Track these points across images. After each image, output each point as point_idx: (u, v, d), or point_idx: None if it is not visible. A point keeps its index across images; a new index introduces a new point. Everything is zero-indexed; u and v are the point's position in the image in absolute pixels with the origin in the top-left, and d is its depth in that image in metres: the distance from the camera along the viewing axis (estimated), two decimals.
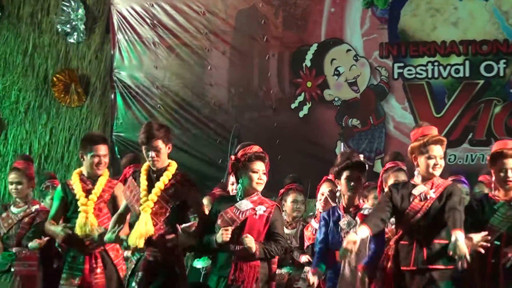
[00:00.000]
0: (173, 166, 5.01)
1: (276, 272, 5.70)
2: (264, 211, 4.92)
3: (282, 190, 6.55)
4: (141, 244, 4.82)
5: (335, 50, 8.91)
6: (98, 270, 5.36)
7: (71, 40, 9.56)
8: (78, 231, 5.32)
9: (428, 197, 4.74)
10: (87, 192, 5.41)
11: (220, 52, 9.16)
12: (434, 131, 4.87)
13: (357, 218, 4.91)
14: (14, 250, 6.07)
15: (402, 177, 5.49)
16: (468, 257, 4.40)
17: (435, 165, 4.77)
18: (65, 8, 9.50)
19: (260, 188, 4.96)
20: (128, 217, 5.16)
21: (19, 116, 9.52)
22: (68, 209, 5.49)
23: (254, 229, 4.88)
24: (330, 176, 5.74)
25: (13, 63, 9.58)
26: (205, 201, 6.52)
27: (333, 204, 5.39)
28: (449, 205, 4.65)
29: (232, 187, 5.71)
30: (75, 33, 9.52)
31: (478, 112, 8.56)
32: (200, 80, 9.23)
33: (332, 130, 8.82)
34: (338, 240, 4.97)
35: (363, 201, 5.27)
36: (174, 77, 9.26)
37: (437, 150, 4.78)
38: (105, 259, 5.40)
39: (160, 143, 4.92)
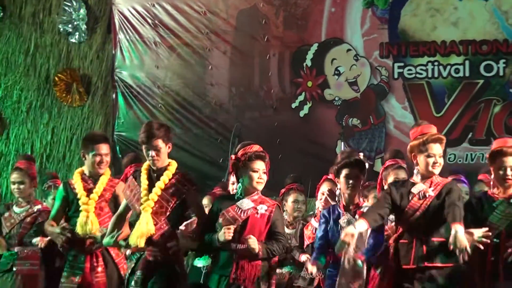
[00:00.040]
0: (173, 165, 5.02)
1: (277, 272, 5.76)
2: (266, 210, 4.94)
3: (283, 190, 6.57)
4: (142, 243, 4.84)
5: (336, 50, 8.91)
6: (99, 269, 5.38)
7: (73, 40, 9.57)
8: (79, 230, 5.34)
9: (427, 195, 4.75)
10: (89, 191, 5.42)
11: (221, 51, 9.16)
12: (433, 129, 4.88)
13: (357, 216, 4.93)
14: (16, 249, 6.12)
15: (402, 174, 5.52)
16: (469, 249, 4.41)
17: (434, 163, 4.78)
18: (66, 8, 9.52)
19: (260, 187, 4.98)
20: (128, 216, 5.17)
21: (21, 116, 9.53)
22: (70, 208, 5.50)
23: (256, 228, 4.90)
24: (330, 176, 5.76)
25: (15, 62, 9.59)
26: (206, 200, 6.54)
27: (333, 203, 5.40)
28: (448, 201, 4.66)
29: (233, 187, 5.70)
30: (77, 33, 9.54)
31: (478, 112, 8.56)
32: (201, 80, 9.23)
33: (332, 129, 8.83)
34: (338, 238, 4.95)
35: (363, 201, 5.27)
36: (175, 76, 9.27)
37: (437, 149, 4.79)
38: (106, 258, 5.42)
39: (160, 143, 4.93)
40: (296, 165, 8.22)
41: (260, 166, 4.95)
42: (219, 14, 9.17)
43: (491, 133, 8.44)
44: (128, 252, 5.37)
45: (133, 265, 5.05)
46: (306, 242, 5.92)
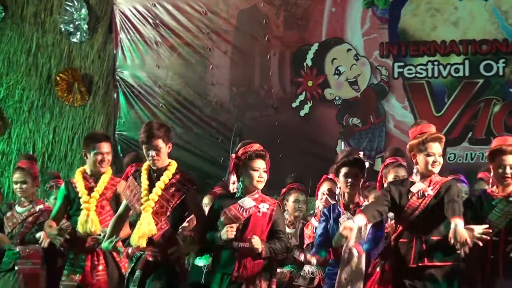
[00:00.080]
0: (173, 165, 5.02)
1: (278, 271, 5.77)
2: (267, 209, 4.95)
3: (284, 190, 6.57)
4: (143, 244, 4.85)
5: (336, 50, 8.93)
6: (100, 267, 5.39)
7: (74, 40, 9.58)
8: (79, 228, 5.36)
9: (426, 194, 4.75)
10: (90, 190, 5.43)
11: (222, 51, 9.17)
12: (432, 128, 4.88)
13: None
14: (17, 248, 6.12)
15: (402, 172, 5.53)
16: (469, 242, 4.39)
17: (434, 162, 4.78)
18: (68, 8, 9.53)
19: (260, 186, 4.99)
20: (128, 216, 5.19)
21: (23, 115, 9.54)
22: (71, 207, 5.51)
23: (258, 226, 4.92)
24: (330, 175, 5.78)
25: (16, 62, 9.60)
26: (207, 199, 6.54)
27: (333, 202, 5.42)
28: (447, 198, 4.66)
29: (233, 186, 5.71)
30: (78, 33, 9.55)
31: (478, 111, 8.57)
32: (202, 79, 9.24)
33: (333, 129, 8.83)
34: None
35: (364, 200, 5.27)
36: (176, 76, 9.27)
37: (436, 148, 4.79)
38: (107, 256, 5.42)
39: (160, 142, 4.93)
40: (296, 165, 8.24)
41: (260, 165, 4.96)
42: (220, 14, 9.18)
43: (491, 132, 8.45)
44: (130, 250, 5.39)
45: (132, 264, 5.05)
46: (306, 241, 5.92)
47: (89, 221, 5.33)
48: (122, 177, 5.86)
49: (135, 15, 9.34)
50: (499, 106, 8.56)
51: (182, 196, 4.94)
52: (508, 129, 8.37)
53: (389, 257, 4.87)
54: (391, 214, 5.08)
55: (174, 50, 9.26)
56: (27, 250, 6.11)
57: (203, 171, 8.86)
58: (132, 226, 5.11)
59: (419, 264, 4.68)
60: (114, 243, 4.99)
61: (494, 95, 8.58)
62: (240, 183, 5.02)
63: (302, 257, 5.90)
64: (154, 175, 4.99)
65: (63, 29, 9.59)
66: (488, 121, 8.56)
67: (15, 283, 6.08)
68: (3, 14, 9.67)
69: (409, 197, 4.79)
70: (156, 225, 4.88)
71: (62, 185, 5.66)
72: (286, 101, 9.03)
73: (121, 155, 8.79)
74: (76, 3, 9.51)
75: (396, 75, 8.79)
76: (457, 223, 4.46)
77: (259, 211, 4.93)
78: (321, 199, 5.84)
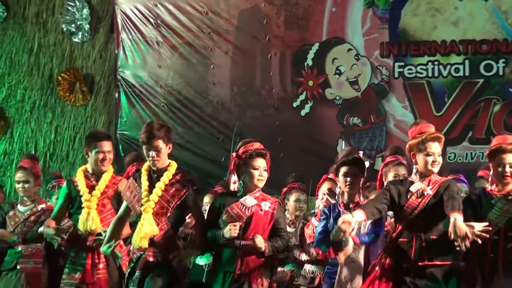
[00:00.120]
0: (173, 166, 5.02)
1: (279, 270, 5.79)
2: (269, 207, 4.96)
3: (284, 189, 6.60)
4: (145, 244, 4.85)
5: (337, 50, 8.95)
6: (101, 266, 5.37)
7: (76, 40, 9.60)
8: (80, 226, 5.36)
9: (425, 194, 4.74)
10: (91, 189, 5.43)
11: (223, 51, 9.20)
12: (431, 128, 4.87)
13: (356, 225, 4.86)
14: (19, 247, 6.13)
15: (402, 171, 5.55)
16: (469, 235, 4.38)
17: (433, 162, 4.76)
18: (70, 8, 9.55)
19: (261, 184, 5.00)
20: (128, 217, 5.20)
21: (25, 115, 9.56)
22: (73, 205, 5.52)
23: (259, 225, 4.93)
24: (330, 175, 5.77)
25: (18, 62, 9.62)
26: (207, 198, 6.54)
27: (333, 201, 5.44)
28: (447, 195, 4.65)
29: (234, 186, 5.67)
30: (80, 33, 9.57)
31: (478, 111, 8.60)
32: (203, 79, 9.26)
33: (333, 128, 8.87)
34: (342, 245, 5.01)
35: (364, 200, 5.23)
36: (177, 76, 9.29)
37: (435, 147, 4.78)
38: (108, 255, 5.39)
39: (160, 143, 4.93)
40: (297, 164, 8.26)
41: (261, 163, 4.97)
42: (221, 14, 9.20)
43: (491, 132, 8.46)
44: (131, 247, 5.41)
45: (132, 264, 5.05)
46: (307, 241, 5.90)
47: (90, 219, 5.33)
48: (123, 176, 5.86)
49: (136, 15, 9.35)
50: (499, 105, 8.58)
51: (182, 197, 4.93)
52: (508, 128, 8.39)
53: (390, 255, 4.85)
54: (391, 213, 5.09)
55: (175, 50, 9.27)
56: (29, 249, 6.12)
57: (204, 171, 8.89)
58: (132, 226, 5.13)
59: (419, 264, 4.68)
60: (112, 248, 5.00)
61: (494, 95, 8.60)
62: (241, 181, 5.03)
63: (302, 257, 5.90)
64: (154, 175, 4.99)
65: (65, 29, 9.61)
66: (488, 121, 8.58)
67: (17, 282, 6.08)
68: (5, 14, 9.68)
69: (408, 196, 4.78)
70: (157, 225, 4.88)
71: (64, 184, 5.67)
72: (287, 101, 9.05)
73: (123, 154, 8.79)
74: (77, 3, 9.53)
75: (396, 75, 8.81)
76: (457, 217, 4.44)
77: (261, 210, 4.95)
78: (322, 199, 5.83)
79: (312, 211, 6.62)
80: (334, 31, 8.97)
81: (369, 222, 4.89)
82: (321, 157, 8.43)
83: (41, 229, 5.87)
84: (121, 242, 5.35)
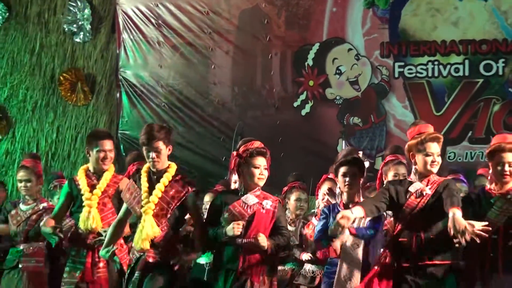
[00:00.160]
0: (173, 167, 5.03)
1: (279, 268, 5.80)
2: (271, 206, 4.98)
3: (285, 188, 6.61)
4: (147, 246, 4.86)
5: (337, 50, 8.96)
6: (101, 264, 5.38)
7: (78, 40, 9.62)
8: (81, 225, 5.36)
9: (424, 194, 4.75)
10: (92, 187, 5.44)
11: (224, 51, 9.20)
12: (430, 128, 4.88)
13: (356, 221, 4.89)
14: (21, 246, 6.14)
15: (402, 170, 5.55)
16: (469, 228, 4.37)
17: (432, 162, 4.77)
18: (71, 8, 9.56)
19: (261, 183, 5.01)
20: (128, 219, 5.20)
21: (27, 115, 9.58)
22: (74, 204, 5.53)
23: (261, 223, 4.94)
24: (331, 175, 5.77)
25: (20, 62, 9.64)
26: (208, 197, 6.54)
27: (333, 201, 5.44)
28: (446, 194, 4.66)
29: (235, 185, 5.69)
30: (82, 33, 9.58)
31: (478, 111, 8.61)
32: (204, 79, 9.27)
33: (333, 128, 8.88)
34: (337, 236, 5.03)
35: None
36: (178, 76, 9.30)
37: (434, 147, 4.78)
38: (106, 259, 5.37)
39: (161, 144, 4.94)
40: (297, 164, 8.27)
41: (261, 162, 4.98)
42: (222, 14, 9.20)
43: (491, 131, 8.46)
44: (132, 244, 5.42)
45: (132, 264, 5.05)
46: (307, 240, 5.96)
47: (91, 218, 5.34)
48: (124, 175, 5.87)
49: (137, 15, 9.36)
50: (498, 105, 8.59)
51: (182, 198, 4.94)
52: (507, 128, 8.40)
53: (390, 254, 4.87)
54: (390, 212, 5.08)
55: (176, 50, 9.28)
56: (31, 248, 6.13)
57: (205, 170, 8.91)
58: (132, 228, 5.15)
59: (419, 263, 4.69)
60: (110, 253, 5.02)
61: (494, 95, 8.61)
62: (241, 180, 5.04)
63: (303, 257, 5.91)
64: (154, 177, 5.00)
65: (66, 29, 9.62)
66: (487, 121, 8.59)
67: (20, 281, 6.10)
68: (7, 14, 9.70)
69: (408, 196, 4.79)
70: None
71: (66, 183, 5.70)
72: (287, 101, 9.06)
73: (124, 154, 8.78)
74: (79, 4, 9.54)
75: (396, 75, 8.82)
76: (455, 212, 4.45)
77: (262, 208, 4.96)
78: (323, 199, 5.83)
79: (312, 210, 6.63)
80: (335, 31, 8.97)
81: (368, 219, 4.90)
82: (321, 156, 8.43)
83: (42, 223, 5.90)
84: (121, 241, 5.35)
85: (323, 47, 9.00)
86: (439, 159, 4.83)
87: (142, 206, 4.92)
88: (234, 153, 5.08)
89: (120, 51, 9.43)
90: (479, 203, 4.82)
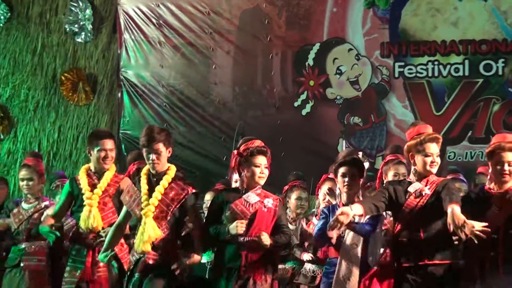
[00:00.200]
0: (173, 169, 5.05)
1: (280, 267, 5.81)
2: (272, 204, 5.01)
3: (286, 187, 6.62)
4: (148, 248, 4.89)
5: (337, 50, 8.97)
6: (101, 264, 5.36)
7: (79, 40, 9.62)
8: (81, 224, 5.38)
9: (423, 194, 4.77)
10: (93, 187, 5.46)
11: (225, 51, 9.21)
12: (429, 129, 4.90)
13: (356, 217, 4.90)
14: (23, 245, 6.16)
15: (402, 170, 5.58)
16: (468, 222, 4.38)
17: (432, 162, 4.79)
18: (73, 9, 9.57)
19: (262, 182, 5.05)
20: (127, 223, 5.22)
21: (28, 114, 9.58)
22: (75, 203, 5.55)
23: (263, 221, 4.97)
24: (331, 175, 5.78)
25: (22, 62, 9.64)
26: (208, 196, 6.56)
27: (333, 202, 5.46)
28: (445, 192, 4.68)
29: (236, 184, 5.71)
30: (83, 33, 9.59)
31: (477, 110, 8.62)
32: (205, 79, 9.27)
33: (334, 128, 8.88)
34: (338, 237, 5.05)
35: None
36: (179, 76, 9.30)
37: (434, 148, 4.81)
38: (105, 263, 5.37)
39: (161, 146, 4.96)
40: (298, 163, 8.27)
41: (262, 161, 5.01)
42: (223, 14, 9.21)
43: (491, 131, 8.47)
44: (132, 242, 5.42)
45: (132, 266, 5.07)
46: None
47: (92, 217, 5.36)
48: (125, 175, 5.90)
49: (139, 16, 9.37)
50: (498, 105, 8.60)
51: (182, 200, 4.96)
52: (507, 127, 8.40)
53: (390, 254, 4.92)
54: (390, 212, 5.09)
55: (177, 50, 9.28)
56: (32, 246, 6.15)
57: (206, 170, 8.92)
58: (132, 230, 5.17)
59: (419, 263, 4.70)
60: (108, 257, 5.04)
61: (494, 95, 8.62)
62: (242, 179, 5.06)
63: (304, 257, 5.93)
64: (154, 179, 5.02)
65: (68, 29, 9.63)
66: (487, 120, 8.60)
67: (22, 280, 6.12)
68: (9, 14, 9.70)
69: (407, 196, 4.81)
70: None
71: (67, 182, 5.72)
72: (288, 100, 9.06)
73: (125, 153, 8.80)
74: (80, 4, 9.55)
75: (396, 75, 8.83)
76: (454, 208, 4.48)
77: (264, 206, 5.00)
78: (324, 199, 5.84)
79: (313, 210, 6.63)
80: (335, 31, 8.98)
81: (366, 217, 4.91)
82: (322, 156, 8.44)
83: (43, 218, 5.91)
84: (122, 241, 5.36)
85: (324, 47, 9.00)
86: (438, 160, 4.85)
87: (142, 209, 4.93)
88: (235, 152, 5.11)
89: (121, 51, 9.43)
90: (478, 202, 4.82)
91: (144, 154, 5.03)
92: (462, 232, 4.39)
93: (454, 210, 4.47)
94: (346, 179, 5.11)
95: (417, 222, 4.76)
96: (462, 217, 4.42)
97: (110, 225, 5.34)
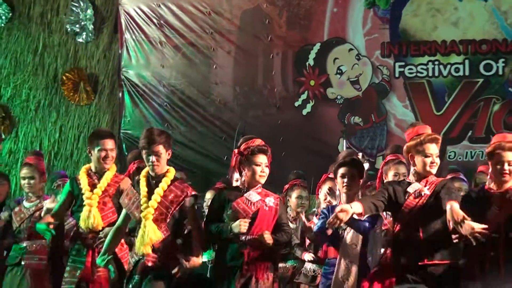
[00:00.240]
0: (172, 172, 5.06)
1: (281, 266, 5.84)
2: (273, 203, 5.03)
3: (286, 186, 6.64)
4: (149, 251, 4.90)
5: (338, 50, 8.98)
6: None
7: (80, 40, 9.63)
8: (81, 224, 5.39)
9: (423, 194, 4.78)
10: (93, 187, 5.47)
11: (225, 51, 9.21)
12: (428, 130, 4.91)
13: (355, 216, 4.88)
14: (25, 243, 6.18)
15: (402, 169, 5.58)
16: (467, 221, 4.39)
17: (431, 163, 4.80)
18: (74, 9, 9.58)
19: (262, 180, 5.07)
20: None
21: (30, 114, 9.58)
22: (75, 203, 5.57)
23: (264, 220, 4.99)
24: (331, 174, 5.77)
25: (23, 62, 9.64)
26: (209, 195, 6.60)
27: (334, 201, 5.49)
28: (443, 192, 4.70)
29: (237, 183, 5.72)
30: (84, 33, 9.60)
31: (478, 110, 8.62)
32: (205, 79, 9.28)
33: (334, 127, 8.89)
34: (337, 237, 5.08)
35: None
36: (180, 75, 9.31)
37: (433, 148, 4.82)
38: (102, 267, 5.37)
39: (161, 148, 4.97)
40: (299, 163, 8.25)
41: (262, 159, 5.03)
42: (223, 14, 9.21)
43: (491, 131, 8.48)
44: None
45: (131, 268, 5.09)
46: (307, 241, 6.00)
47: (91, 217, 5.37)
48: (125, 174, 5.93)
49: (140, 16, 9.37)
50: (498, 105, 8.61)
51: (181, 203, 4.97)
52: (507, 127, 8.40)
53: (389, 254, 4.92)
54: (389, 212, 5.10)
55: (178, 50, 9.29)
56: (34, 245, 6.18)
57: (207, 169, 8.93)
58: (131, 231, 5.18)
59: (419, 263, 4.71)
60: (106, 261, 5.04)
61: (494, 94, 8.62)
62: (242, 177, 5.09)
63: (305, 256, 5.95)
64: (153, 182, 5.02)
65: (69, 29, 9.64)
66: (487, 120, 8.61)
67: (23, 278, 6.14)
68: (10, 14, 9.71)
69: (406, 197, 4.82)
70: None
71: (68, 182, 5.74)
72: (288, 100, 9.07)
73: (126, 153, 8.78)
74: (82, 4, 9.56)
75: (397, 75, 8.84)
76: (453, 204, 4.50)
77: (266, 205, 5.01)
78: (325, 199, 5.85)
79: (313, 210, 6.65)
80: (336, 31, 8.99)
81: (365, 216, 4.91)
82: (322, 156, 8.43)
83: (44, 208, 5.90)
84: (122, 240, 5.37)
85: (324, 47, 9.01)
86: (437, 160, 4.86)
87: (141, 211, 4.93)
88: (236, 150, 5.12)
89: (122, 51, 9.43)
90: (479, 201, 4.82)
91: (144, 156, 5.04)
92: (462, 228, 4.40)
93: (453, 206, 4.49)
94: (346, 180, 5.12)
95: (417, 222, 4.77)
96: (461, 213, 4.44)
97: (110, 225, 5.36)
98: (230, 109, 9.20)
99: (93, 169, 5.60)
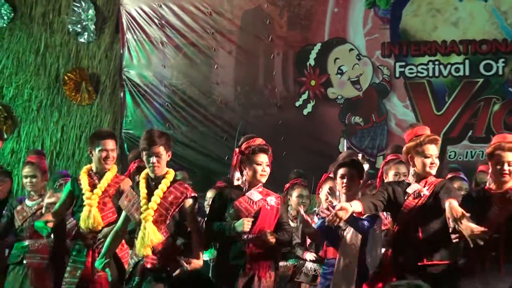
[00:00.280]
0: (171, 173, 5.06)
1: (281, 265, 5.85)
2: (275, 202, 5.05)
3: (287, 185, 6.64)
4: (149, 252, 4.91)
5: (338, 50, 8.98)
6: None
7: (82, 40, 9.64)
8: (81, 224, 5.41)
9: (422, 194, 4.79)
10: (93, 187, 5.49)
11: (226, 51, 9.22)
12: (427, 130, 4.94)
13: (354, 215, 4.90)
14: (27, 242, 6.18)
15: (403, 169, 5.59)
16: (466, 214, 4.41)
17: (431, 164, 4.82)
18: (76, 9, 9.59)
19: (263, 179, 5.08)
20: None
21: (32, 114, 9.59)
22: (75, 203, 5.58)
23: (266, 219, 5.01)
24: (332, 174, 5.79)
25: (25, 62, 9.65)
26: (210, 194, 6.62)
27: (335, 201, 5.50)
28: (442, 192, 4.71)
29: (238, 182, 5.71)
30: (86, 33, 9.61)
31: (478, 110, 8.62)
32: (207, 79, 9.29)
33: (335, 127, 8.89)
34: (336, 237, 5.10)
35: None
36: (181, 75, 9.31)
37: (433, 149, 4.83)
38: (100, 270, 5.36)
39: (161, 150, 4.97)
40: (299, 162, 8.22)
41: (263, 159, 5.04)
42: (224, 15, 9.22)
43: (491, 131, 8.48)
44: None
45: (131, 269, 5.10)
46: (308, 240, 5.98)
47: (91, 217, 5.39)
48: (126, 173, 5.97)
49: (141, 16, 9.38)
50: (498, 105, 8.61)
51: (181, 204, 4.97)
52: (507, 127, 8.41)
53: (389, 254, 4.96)
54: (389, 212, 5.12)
55: (179, 50, 9.29)
56: (36, 244, 6.18)
57: (208, 169, 8.94)
58: (131, 233, 5.18)
59: (418, 263, 4.73)
60: (103, 264, 5.05)
61: (494, 94, 8.62)
62: (244, 177, 5.10)
63: (306, 256, 5.95)
64: (153, 183, 5.02)
65: (71, 29, 9.64)
66: (488, 120, 8.61)
67: (25, 277, 6.15)
68: (12, 14, 9.71)
69: (405, 197, 4.83)
70: None
71: (69, 182, 5.75)
72: (289, 100, 9.07)
73: (128, 153, 8.72)
74: (83, 4, 9.57)
75: (397, 75, 8.84)
76: (451, 201, 4.51)
77: (267, 204, 5.03)
78: (326, 199, 5.83)
79: (314, 209, 6.66)
80: (336, 31, 8.99)
81: (365, 215, 4.92)
82: (323, 155, 8.44)
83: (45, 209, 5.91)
84: (123, 241, 5.37)
85: (325, 47, 9.01)
86: (437, 161, 4.87)
87: (141, 213, 4.94)
88: (237, 150, 5.14)
89: (123, 51, 9.44)
90: (479, 201, 4.82)
91: (144, 157, 5.04)
92: (461, 224, 4.41)
93: (451, 204, 4.50)
94: (345, 181, 5.14)
95: (416, 223, 4.78)
96: (460, 209, 4.46)
97: (109, 225, 5.38)
98: (231, 109, 9.21)
99: (94, 169, 5.61)
